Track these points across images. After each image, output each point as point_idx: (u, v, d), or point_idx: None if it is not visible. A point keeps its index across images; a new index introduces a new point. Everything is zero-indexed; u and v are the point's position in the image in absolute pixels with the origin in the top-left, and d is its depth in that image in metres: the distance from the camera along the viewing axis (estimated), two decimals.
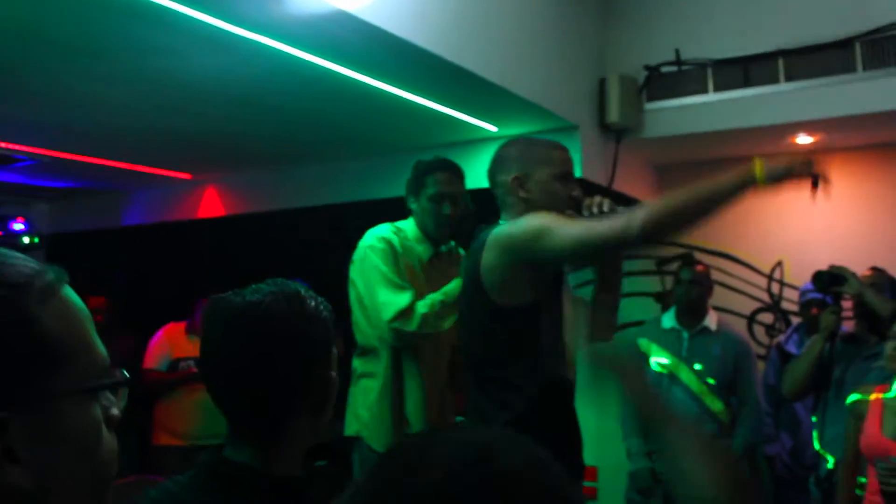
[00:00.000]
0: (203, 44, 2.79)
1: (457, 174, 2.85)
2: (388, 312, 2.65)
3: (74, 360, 0.76)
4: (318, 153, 4.77)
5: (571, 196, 2.25)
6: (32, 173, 5.19)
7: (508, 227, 2.09)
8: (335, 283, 4.05)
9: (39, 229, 6.03)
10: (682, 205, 1.91)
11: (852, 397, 3.00)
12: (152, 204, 5.85)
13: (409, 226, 2.93)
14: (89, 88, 3.35)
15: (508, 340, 2.11)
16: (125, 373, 0.85)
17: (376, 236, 2.84)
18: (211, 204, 5.48)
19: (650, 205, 1.90)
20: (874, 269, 3.72)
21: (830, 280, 3.50)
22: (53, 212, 6.42)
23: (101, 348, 0.81)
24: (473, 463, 0.66)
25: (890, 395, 2.84)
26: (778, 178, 1.97)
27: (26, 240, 5.58)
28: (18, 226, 5.73)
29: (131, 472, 4.07)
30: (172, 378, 4.43)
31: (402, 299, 2.66)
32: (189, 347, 4.49)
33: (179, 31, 2.63)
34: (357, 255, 2.86)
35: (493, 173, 2.30)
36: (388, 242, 2.81)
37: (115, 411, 0.83)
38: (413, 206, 2.87)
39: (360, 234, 2.89)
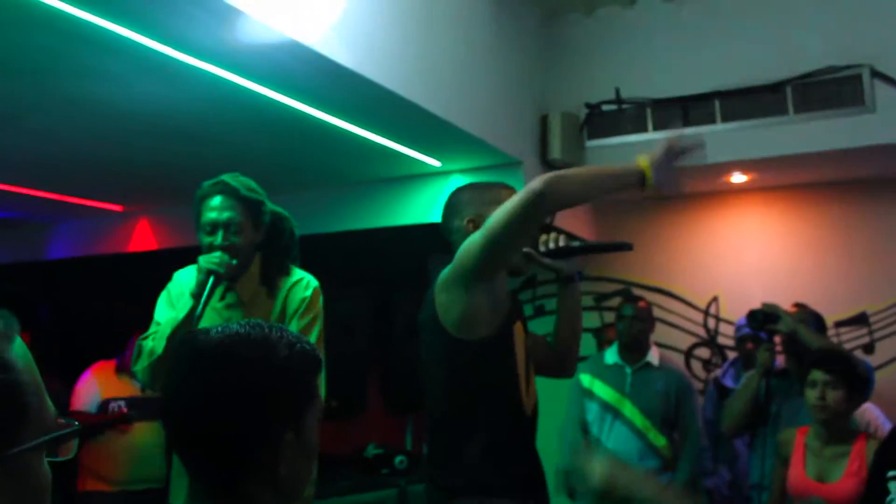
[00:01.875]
0: (144, 70, 2.69)
1: (235, 196, 2.47)
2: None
3: (37, 410, 0.73)
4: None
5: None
6: None
7: (446, 269, 2.12)
8: None
9: None
10: (583, 173, 2.12)
11: (779, 437, 3.08)
12: (80, 236, 5.64)
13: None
14: (14, 112, 3.19)
15: (474, 376, 2.10)
16: (74, 422, 0.81)
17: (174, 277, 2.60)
18: (143, 237, 5.31)
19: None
20: (798, 305, 3.80)
21: (765, 319, 3.59)
22: None
23: (47, 396, 0.78)
24: None
25: (810, 436, 2.94)
26: (662, 184, 2.14)
27: None
28: None
29: None
30: (102, 420, 4.21)
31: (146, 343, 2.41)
32: (119, 387, 4.28)
33: (119, 55, 2.53)
34: None
35: (446, 220, 2.33)
36: (168, 287, 2.57)
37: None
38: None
39: (302, 268, 2.74)
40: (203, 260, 2.37)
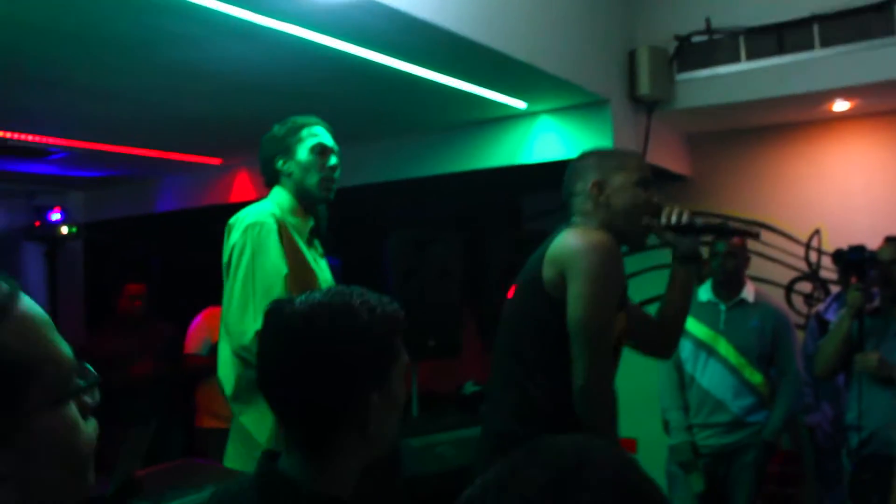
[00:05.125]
0: (227, 34, 2.78)
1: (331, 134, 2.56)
2: (253, 330, 2.23)
3: (42, 373, 0.76)
4: (347, 135, 4.74)
5: (650, 202, 2.25)
6: (66, 164, 5.26)
7: (567, 254, 2.08)
8: (361, 263, 4.08)
9: (76, 218, 6.12)
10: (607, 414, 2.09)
11: None
12: (184, 190, 5.91)
13: (281, 199, 2.48)
14: (119, 81, 3.38)
15: (562, 334, 2.07)
16: (91, 369, 0.85)
17: (267, 212, 2.37)
18: (242, 188, 5.51)
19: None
20: (890, 239, 3.58)
21: (849, 266, 3.47)
22: (88, 200, 6.50)
23: (66, 349, 0.81)
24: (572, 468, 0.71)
25: None
26: None
27: (65, 230, 5.66)
28: (56, 216, 5.82)
29: (177, 455, 4.17)
30: (213, 362, 4.47)
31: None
32: None
33: (203, 22, 2.63)
34: (244, 236, 2.34)
35: (569, 185, 2.29)
36: (280, 224, 2.36)
37: (89, 399, 0.84)
38: (285, 167, 2.48)
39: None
40: None
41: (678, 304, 2.35)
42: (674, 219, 2.25)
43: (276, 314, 1.23)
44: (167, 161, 5.20)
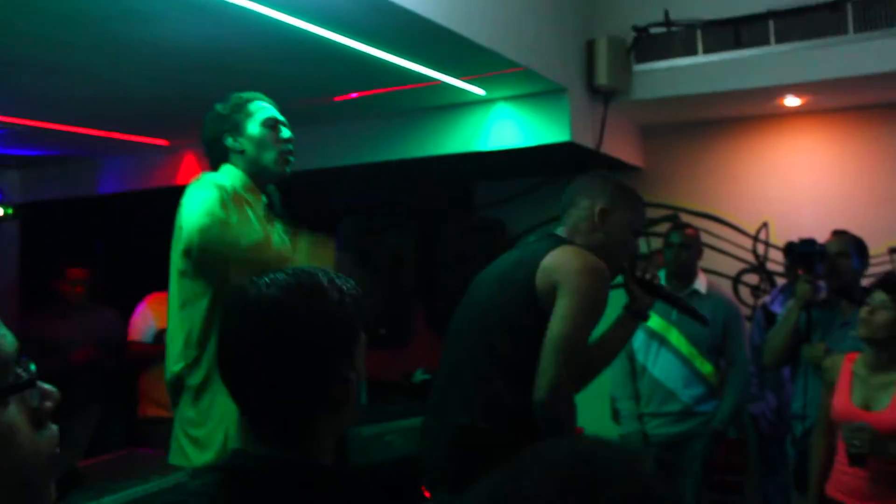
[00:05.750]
0: (182, 9, 2.68)
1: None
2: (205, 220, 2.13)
3: None
4: (300, 117, 4.64)
5: (634, 251, 2.36)
6: (1, 142, 5.03)
7: (565, 268, 2.11)
8: None
9: (11, 199, 5.86)
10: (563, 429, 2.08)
11: (825, 363, 3.03)
12: (128, 171, 5.71)
13: (233, 175, 2.40)
14: (61, 56, 3.22)
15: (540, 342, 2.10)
16: (32, 367, 0.73)
17: (210, 182, 2.29)
18: (190, 170, 5.36)
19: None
20: (838, 231, 3.68)
21: (799, 258, 3.54)
22: (25, 180, 6.23)
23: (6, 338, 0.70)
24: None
25: (858, 363, 2.87)
26: None
27: (0, 211, 5.42)
28: None
29: (118, 445, 4.04)
30: (158, 349, 4.35)
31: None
32: None
33: None
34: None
35: (573, 196, 2.33)
36: (223, 189, 2.27)
37: (48, 403, 0.73)
38: (236, 144, 2.40)
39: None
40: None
41: (609, 351, 2.43)
42: (647, 276, 2.39)
43: (241, 300, 1.16)
44: (111, 141, 5.01)
